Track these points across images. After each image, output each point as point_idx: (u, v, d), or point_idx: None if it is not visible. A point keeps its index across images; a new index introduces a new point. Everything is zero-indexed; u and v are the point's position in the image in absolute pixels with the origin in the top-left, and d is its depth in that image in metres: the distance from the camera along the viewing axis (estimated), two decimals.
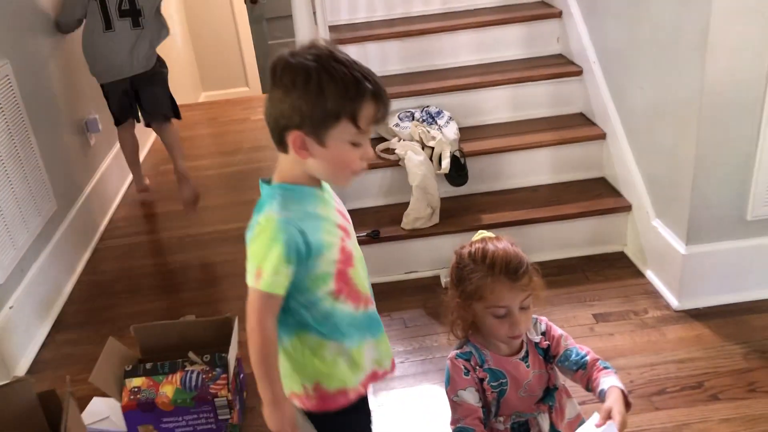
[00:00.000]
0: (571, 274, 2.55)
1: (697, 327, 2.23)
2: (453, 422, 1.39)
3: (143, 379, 1.92)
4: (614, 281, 2.49)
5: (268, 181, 1.24)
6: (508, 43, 3.10)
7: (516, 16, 3.08)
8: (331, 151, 1.15)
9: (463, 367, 1.39)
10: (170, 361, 1.96)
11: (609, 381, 1.34)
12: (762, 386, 1.97)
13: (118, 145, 3.53)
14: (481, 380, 1.39)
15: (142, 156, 4.05)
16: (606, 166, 2.80)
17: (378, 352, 1.32)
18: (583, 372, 1.41)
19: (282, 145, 1.18)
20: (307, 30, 2.59)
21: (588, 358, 1.41)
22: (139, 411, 1.89)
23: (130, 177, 3.70)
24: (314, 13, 2.71)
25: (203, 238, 3.13)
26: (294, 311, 1.23)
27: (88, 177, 3.30)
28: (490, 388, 1.39)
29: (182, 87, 5.59)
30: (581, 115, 2.97)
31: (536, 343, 1.44)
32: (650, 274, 2.49)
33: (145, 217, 3.45)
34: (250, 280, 1.17)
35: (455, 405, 1.39)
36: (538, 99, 2.97)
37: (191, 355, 1.99)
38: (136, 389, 1.90)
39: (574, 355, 1.42)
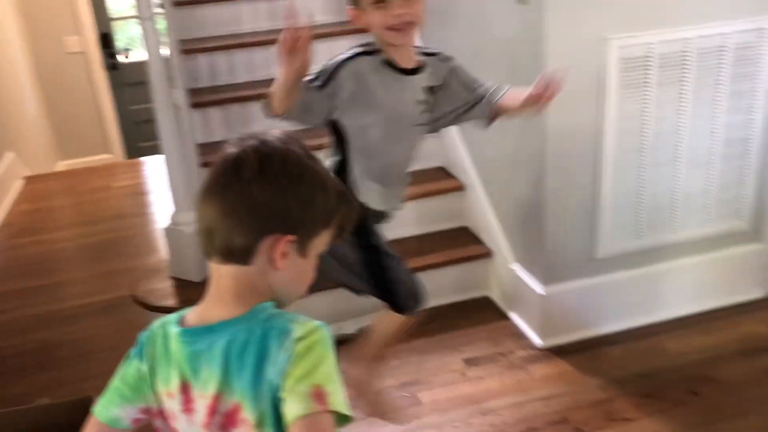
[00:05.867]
0: (440, 322, 2.61)
1: (560, 363, 2.34)
2: None
3: None
4: (481, 326, 2.58)
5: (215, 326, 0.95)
6: None
7: None
8: (306, 263, 0.98)
9: None
10: None
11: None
12: (619, 413, 2.09)
13: None
14: None
15: None
16: (467, 215, 2.93)
17: None
18: None
19: (247, 253, 0.93)
20: (165, 94, 2.57)
21: None
22: None
23: None
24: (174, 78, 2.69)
25: (62, 313, 2.94)
26: None
27: None
28: None
29: (36, 157, 5.32)
30: (441, 168, 3.10)
31: None
32: (514, 316, 2.61)
33: None
34: (304, 405, 0.88)
35: None
36: None
37: None
38: None
39: None
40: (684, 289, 2.53)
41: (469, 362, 2.38)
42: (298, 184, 0.94)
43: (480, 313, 2.66)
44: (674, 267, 2.49)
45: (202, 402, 0.96)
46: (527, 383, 2.26)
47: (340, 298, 2.62)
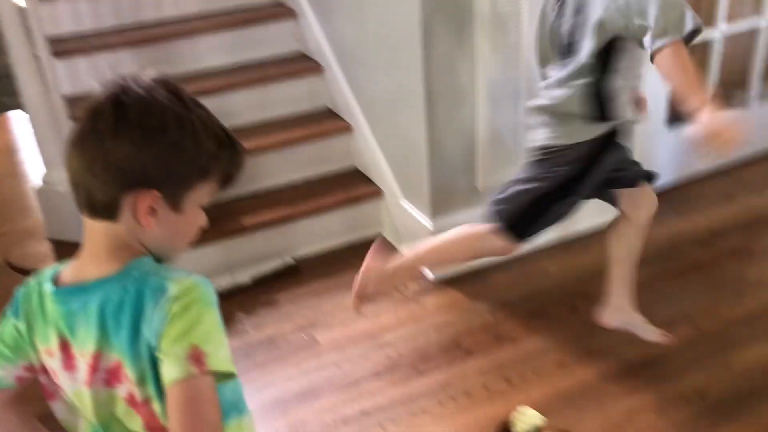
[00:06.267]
0: (336, 263, 2.65)
1: (451, 293, 2.44)
2: None
3: None
4: None
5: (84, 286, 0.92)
6: (249, 44, 3.11)
7: (252, 17, 3.10)
8: (182, 218, 0.94)
9: None
10: None
11: None
12: (506, 334, 2.22)
13: None
14: None
15: None
16: (355, 156, 2.94)
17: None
18: None
19: (111, 209, 0.90)
20: (23, 45, 2.39)
21: None
22: None
23: None
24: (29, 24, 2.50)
25: None
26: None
27: None
28: None
29: None
30: (328, 110, 3.08)
31: None
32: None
33: None
34: (181, 368, 0.85)
35: None
36: (283, 98, 3.02)
37: None
38: None
39: None
40: None
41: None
42: (159, 137, 0.89)
43: None
44: None
45: (82, 360, 0.94)
46: (421, 314, 2.34)
47: (232, 247, 2.60)
